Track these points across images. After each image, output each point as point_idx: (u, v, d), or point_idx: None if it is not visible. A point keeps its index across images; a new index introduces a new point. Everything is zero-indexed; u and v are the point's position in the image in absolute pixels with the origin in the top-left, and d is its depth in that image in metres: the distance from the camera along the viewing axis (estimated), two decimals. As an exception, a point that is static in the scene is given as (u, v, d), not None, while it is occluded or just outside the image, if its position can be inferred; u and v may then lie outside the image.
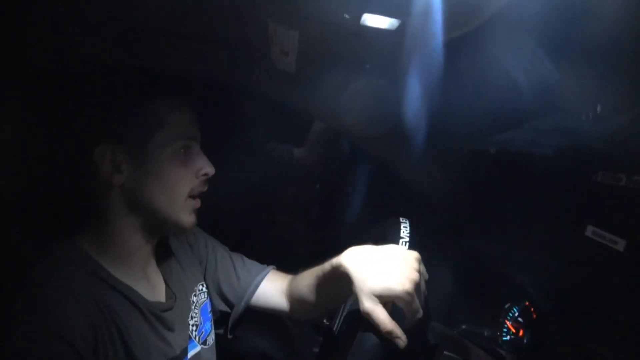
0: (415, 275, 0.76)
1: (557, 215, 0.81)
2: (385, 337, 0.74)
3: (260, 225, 1.64)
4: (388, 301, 0.75)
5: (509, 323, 1.11)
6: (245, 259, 1.16)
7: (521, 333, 1.06)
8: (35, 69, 0.86)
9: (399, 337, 0.73)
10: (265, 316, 1.18)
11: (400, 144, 1.22)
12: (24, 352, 0.67)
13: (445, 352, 0.94)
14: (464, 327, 1.17)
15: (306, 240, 1.70)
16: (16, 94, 0.86)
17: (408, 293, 0.74)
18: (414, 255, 0.81)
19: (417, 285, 0.75)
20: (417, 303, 0.75)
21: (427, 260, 0.84)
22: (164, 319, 0.89)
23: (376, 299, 0.75)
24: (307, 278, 1.00)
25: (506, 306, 1.13)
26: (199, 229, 1.13)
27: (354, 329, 0.77)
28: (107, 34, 0.86)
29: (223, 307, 1.11)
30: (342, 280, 0.82)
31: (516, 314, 1.10)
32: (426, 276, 0.81)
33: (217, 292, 1.11)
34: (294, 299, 1.07)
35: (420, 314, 0.76)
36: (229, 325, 1.12)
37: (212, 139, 1.00)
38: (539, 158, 0.78)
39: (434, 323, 1.03)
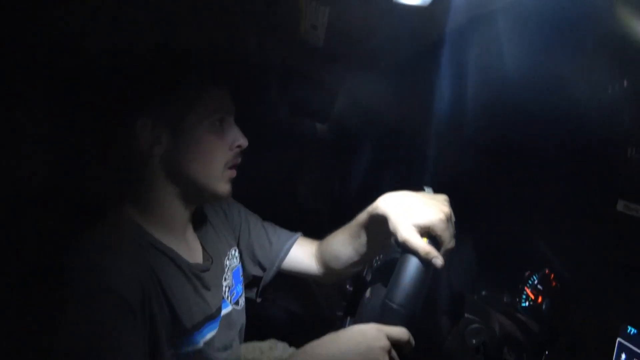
0: (447, 209, 0.84)
1: (584, 187, 0.83)
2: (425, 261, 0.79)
3: (285, 197, 1.68)
4: (423, 232, 0.82)
5: (528, 290, 1.15)
6: (276, 226, 1.22)
7: (540, 300, 1.10)
8: (79, 50, 0.89)
9: (436, 257, 0.79)
10: (292, 281, 1.24)
11: (424, 121, 1.24)
12: (87, 308, 0.73)
13: (466, 315, 0.98)
14: (483, 293, 1.21)
15: (329, 213, 1.75)
16: (63, 72, 0.91)
17: (442, 221, 0.81)
18: (443, 195, 0.89)
19: (449, 217, 0.83)
20: (450, 232, 0.83)
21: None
22: (203, 278, 0.95)
23: (413, 228, 0.82)
24: (340, 234, 1.07)
25: (526, 274, 1.16)
26: (232, 198, 1.18)
27: (392, 263, 0.82)
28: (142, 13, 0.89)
29: (256, 271, 1.18)
30: (378, 224, 0.90)
31: (536, 282, 1.13)
32: (453, 218, 0.87)
33: (250, 257, 1.17)
34: (325, 259, 1.13)
35: (453, 243, 0.83)
36: (260, 288, 1.19)
37: (240, 114, 1.03)
38: (566, 129, 0.79)
39: (456, 289, 1.07)
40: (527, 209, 1.13)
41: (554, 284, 1.07)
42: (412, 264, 0.79)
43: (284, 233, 1.21)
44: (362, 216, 0.97)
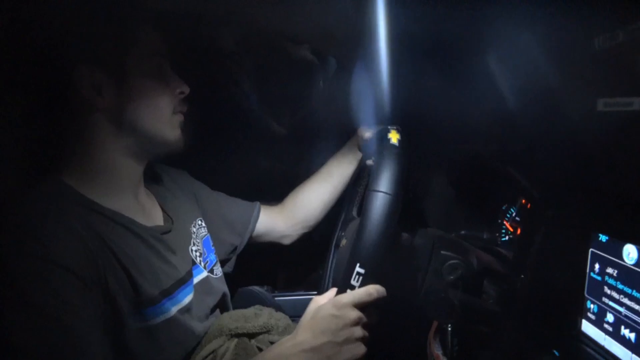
0: None
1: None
2: None
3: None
4: None
5: (507, 223, 1.12)
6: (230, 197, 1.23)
7: (519, 232, 1.07)
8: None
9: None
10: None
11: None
12: (28, 283, 0.68)
13: (442, 252, 0.95)
14: (463, 232, 1.19)
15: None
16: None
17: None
18: None
19: None
20: None
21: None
22: (164, 241, 0.90)
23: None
24: (309, 181, 1.23)
25: (503, 207, 1.13)
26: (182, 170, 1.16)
27: None
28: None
29: (234, 239, 1.17)
30: (354, 145, 1.16)
31: (514, 214, 1.10)
32: None
33: (226, 227, 1.16)
34: (295, 209, 1.23)
35: None
36: (235, 258, 1.19)
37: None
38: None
39: (432, 229, 1.04)
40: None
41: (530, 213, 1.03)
42: (385, 151, 0.80)
43: (245, 203, 1.22)
44: (341, 150, 1.20)
